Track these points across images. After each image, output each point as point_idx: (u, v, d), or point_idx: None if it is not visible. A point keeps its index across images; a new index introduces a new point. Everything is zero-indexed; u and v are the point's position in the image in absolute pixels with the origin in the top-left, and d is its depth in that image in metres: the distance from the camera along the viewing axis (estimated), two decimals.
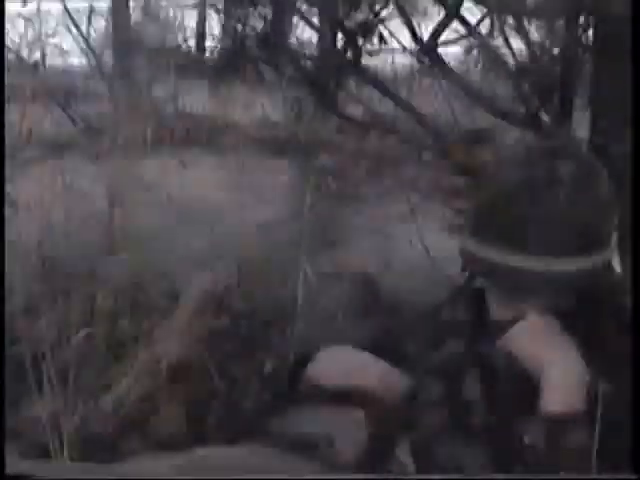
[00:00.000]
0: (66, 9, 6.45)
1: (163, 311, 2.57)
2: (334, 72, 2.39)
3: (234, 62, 2.53)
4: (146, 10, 8.24)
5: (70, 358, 2.13)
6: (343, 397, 1.38)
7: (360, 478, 1.26)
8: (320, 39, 2.87)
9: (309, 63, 2.40)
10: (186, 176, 3.96)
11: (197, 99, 5.42)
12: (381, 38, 2.41)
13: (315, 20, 2.55)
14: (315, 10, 2.42)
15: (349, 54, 2.33)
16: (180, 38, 7.57)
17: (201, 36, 7.98)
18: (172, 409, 2.08)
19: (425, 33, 2.27)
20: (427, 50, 2.01)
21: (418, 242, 2.97)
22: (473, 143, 2.33)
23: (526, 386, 1.21)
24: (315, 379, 1.44)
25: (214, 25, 7.68)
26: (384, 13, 2.37)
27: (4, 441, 1.04)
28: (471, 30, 2.10)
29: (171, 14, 8.16)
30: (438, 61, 2.03)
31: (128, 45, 6.38)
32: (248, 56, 2.47)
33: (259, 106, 4.59)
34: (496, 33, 2.36)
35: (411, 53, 2.20)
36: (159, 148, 4.78)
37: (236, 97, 4.53)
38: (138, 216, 3.23)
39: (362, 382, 1.40)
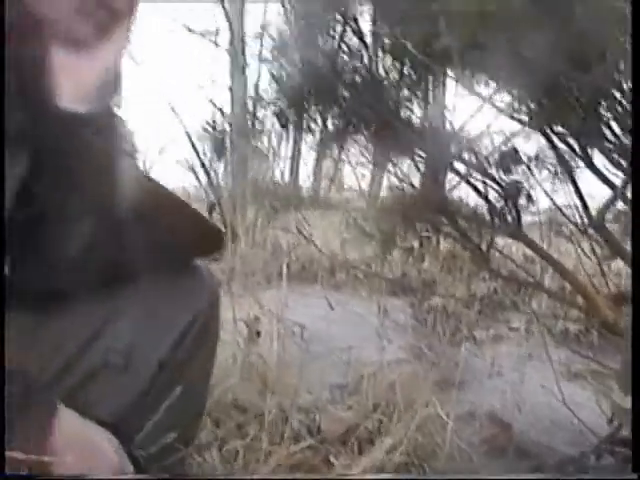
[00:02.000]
0: (184, 129, 6.73)
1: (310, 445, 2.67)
2: (487, 229, 2.55)
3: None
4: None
5: None
6: None
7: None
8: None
9: (464, 220, 2.57)
10: (311, 310, 4.11)
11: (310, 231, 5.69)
12: (529, 198, 2.58)
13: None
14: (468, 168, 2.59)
15: (505, 212, 2.50)
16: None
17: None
18: None
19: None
20: (596, 225, 2.15)
21: (547, 386, 3.07)
22: (618, 302, 2.45)
23: None
24: None
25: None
26: (538, 175, 2.54)
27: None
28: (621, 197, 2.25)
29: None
30: (607, 235, 2.16)
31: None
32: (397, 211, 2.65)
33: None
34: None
35: (573, 223, 2.33)
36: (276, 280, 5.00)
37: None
38: (274, 348, 3.38)
39: None
